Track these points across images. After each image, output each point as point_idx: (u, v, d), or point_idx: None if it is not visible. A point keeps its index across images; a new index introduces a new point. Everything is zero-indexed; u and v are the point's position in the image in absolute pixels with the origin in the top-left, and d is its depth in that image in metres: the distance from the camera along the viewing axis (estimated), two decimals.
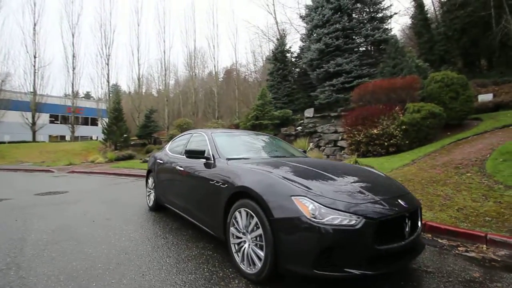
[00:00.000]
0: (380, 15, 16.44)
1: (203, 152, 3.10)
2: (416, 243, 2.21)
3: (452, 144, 7.57)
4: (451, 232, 3.28)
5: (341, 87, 16.79)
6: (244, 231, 2.30)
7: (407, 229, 2.11)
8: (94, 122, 36.93)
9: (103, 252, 2.81)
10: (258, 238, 2.14)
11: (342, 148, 12.74)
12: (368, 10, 16.89)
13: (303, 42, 22.66)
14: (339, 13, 16.68)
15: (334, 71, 16.84)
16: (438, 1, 18.69)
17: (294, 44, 40.33)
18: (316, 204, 1.91)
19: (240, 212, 2.34)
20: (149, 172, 4.87)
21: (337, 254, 1.83)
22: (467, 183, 4.84)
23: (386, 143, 8.66)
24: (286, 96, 22.53)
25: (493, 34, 14.88)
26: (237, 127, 22.09)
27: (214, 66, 27.39)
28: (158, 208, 4.52)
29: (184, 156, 3.71)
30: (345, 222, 1.85)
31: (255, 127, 18.34)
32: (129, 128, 21.25)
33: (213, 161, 3.00)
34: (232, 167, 2.70)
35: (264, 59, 34.36)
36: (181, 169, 3.53)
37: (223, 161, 2.92)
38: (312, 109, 17.82)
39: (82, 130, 32.77)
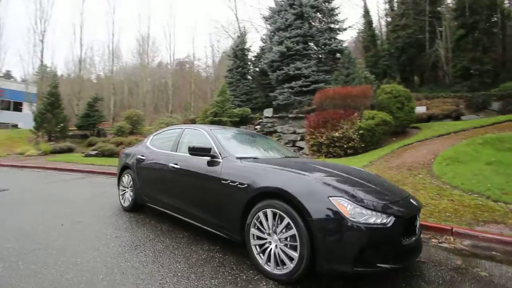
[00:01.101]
0: (336, 26, 17.69)
1: (210, 149, 2.96)
2: (420, 239, 2.50)
3: (401, 149, 8.64)
4: (423, 226, 3.76)
5: (299, 90, 17.59)
6: (270, 232, 2.28)
7: (417, 226, 2.37)
8: (17, 107, 31.40)
9: (96, 261, 2.46)
10: (289, 239, 2.15)
11: (300, 148, 13.36)
12: (326, 20, 18.02)
13: (263, 42, 23.07)
14: (300, 19, 17.43)
15: (294, 74, 17.55)
16: (384, 20, 20.93)
17: (254, 44, 40.76)
18: (353, 204, 2.01)
19: (265, 213, 2.31)
20: (123, 169, 4.40)
21: (372, 251, 1.96)
22: (422, 183, 5.59)
23: (345, 146, 9.42)
24: (245, 94, 22.66)
25: (426, 55, 17.33)
26: (193, 122, 21.34)
27: (170, 57, 25.95)
28: (135, 208, 4.13)
29: (179, 153, 3.49)
30: (378, 221, 1.99)
31: (214, 123, 18.00)
32: (68, 117, 18.71)
33: (221, 160, 2.88)
34: (249, 167, 2.64)
35: (220, 54, 33.88)
36: (177, 167, 3.29)
37: (234, 160, 2.83)
38: (271, 109, 18.28)
39: (3, 116, 27.56)
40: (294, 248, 2.11)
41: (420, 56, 17.79)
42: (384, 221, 2.01)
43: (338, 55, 17.84)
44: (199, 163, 3.05)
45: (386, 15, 20.16)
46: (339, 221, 1.95)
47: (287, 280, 2.13)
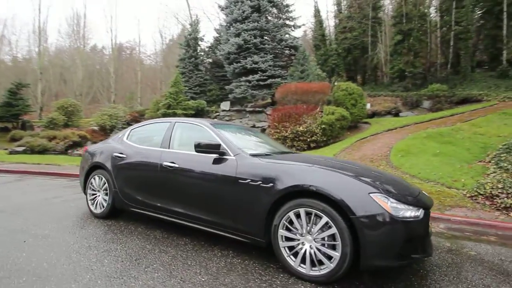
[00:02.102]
0: (292, 23, 18.16)
1: (218, 146, 2.71)
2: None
3: (358, 142, 9.39)
4: None
5: (256, 84, 17.65)
6: (303, 232, 2.19)
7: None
8: None
9: (97, 284, 2.03)
10: (327, 238, 2.10)
11: None
12: (282, 16, 18.34)
13: (218, 33, 22.37)
14: (257, 12, 17.37)
15: (251, 67, 17.49)
16: (333, 22, 22.26)
17: (208, 34, 39.09)
18: (392, 199, 2.05)
19: (297, 213, 2.21)
20: (92, 169, 3.76)
21: (408, 243, 2.04)
22: None
23: (308, 139, 9.82)
24: (198, 86, 21.80)
25: (369, 57, 19.05)
26: (141, 114, 19.68)
27: (111, 40, 23.11)
28: (112, 214, 3.58)
29: (173, 150, 3.12)
30: (413, 214, 2.08)
31: (167, 116, 16.88)
32: None
33: (232, 157, 2.67)
34: (271, 164, 2.49)
35: (169, 41, 31.79)
36: (174, 165, 2.93)
37: (249, 157, 2.64)
38: (228, 102, 17.97)
39: None
40: (332, 247, 2.07)
41: (364, 58, 19.48)
42: (417, 214, 2.11)
43: (292, 51, 18.41)
44: (204, 161, 2.78)
45: (335, 16, 21.49)
46: (383, 217, 1.98)
47: (326, 281, 2.08)
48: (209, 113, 18.95)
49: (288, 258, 2.25)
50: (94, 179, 3.70)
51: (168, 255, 2.54)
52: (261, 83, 17.56)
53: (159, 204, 3.07)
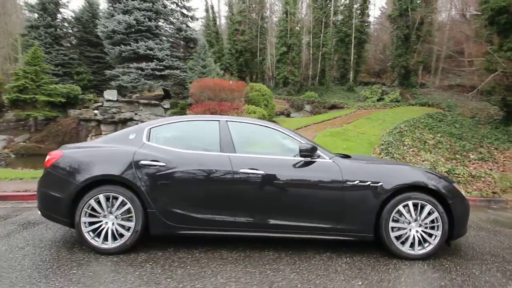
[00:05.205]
0: (190, 14, 17.34)
1: (316, 149, 2.65)
2: None
3: None
4: None
5: (151, 73, 15.76)
6: (411, 221, 2.58)
7: None
8: None
9: None
10: (430, 222, 2.58)
11: None
12: (179, 4, 17.15)
13: (89, 3, 17.96)
14: None
15: (144, 53, 15.41)
16: (226, 22, 22.88)
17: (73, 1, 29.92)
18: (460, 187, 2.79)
19: (405, 205, 2.57)
20: (92, 186, 2.51)
21: (468, 216, 2.84)
22: None
23: None
24: (61, 66, 16.96)
25: (258, 61, 21.10)
26: None
27: None
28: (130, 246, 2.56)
29: (243, 154, 2.64)
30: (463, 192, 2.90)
31: (23, 103, 12.17)
32: None
33: (328, 160, 2.66)
34: (374, 166, 2.73)
35: None
36: (258, 172, 2.53)
37: (343, 160, 2.72)
38: (115, 91, 15.03)
39: None
40: (436, 228, 2.58)
41: (254, 61, 21.37)
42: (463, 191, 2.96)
43: (191, 43, 17.65)
44: (294, 166, 2.62)
45: (227, 17, 22.22)
46: (463, 199, 2.67)
47: (420, 257, 2.51)
48: (85, 103, 15.16)
49: (399, 246, 2.57)
50: (98, 200, 2.48)
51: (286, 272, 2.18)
52: (157, 73, 15.85)
53: (233, 220, 2.55)
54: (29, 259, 2.32)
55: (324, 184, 2.57)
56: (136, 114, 13.94)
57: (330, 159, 2.67)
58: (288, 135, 2.82)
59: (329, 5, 19.74)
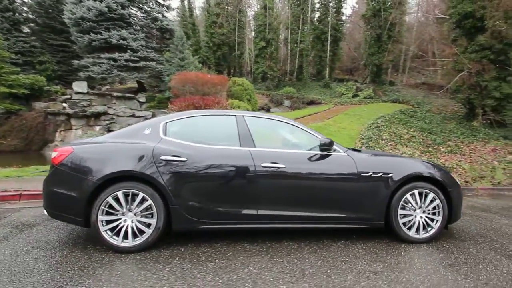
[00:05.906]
0: (166, 3, 16.64)
1: (332, 143, 2.77)
2: None
3: None
4: None
5: (125, 65, 14.97)
6: (416, 208, 2.80)
7: None
8: None
9: None
10: (432, 208, 2.82)
11: None
12: None
13: None
14: None
15: (117, 43, 14.58)
16: (203, 14, 22.28)
17: None
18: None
19: (412, 194, 2.79)
20: (109, 183, 2.38)
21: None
22: None
23: None
24: (21, 54, 15.49)
25: (236, 55, 20.91)
26: None
27: None
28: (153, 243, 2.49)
29: (264, 149, 2.68)
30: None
31: None
32: None
33: (344, 154, 2.81)
34: (384, 159, 2.92)
35: None
36: (281, 166, 2.59)
37: (357, 153, 2.88)
38: (85, 83, 14.02)
39: None
40: (436, 214, 2.83)
41: (232, 56, 21.15)
42: None
43: (167, 35, 16.97)
44: (312, 159, 2.72)
45: (204, 9, 21.64)
46: (459, 187, 2.96)
47: (424, 240, 2.75)
48: (51, 95, 13.99)
49: (406, 231, 2.79)
50: (116, 198, 2.36)
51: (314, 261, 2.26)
52: (131, 64, 15.10)
53: (255, 212, 2.58)
54: (43, 262, 2.16)
55: (342, 176, 2.69)
56: (109, 108, 13.17)
57: (344, 152, 2.80)
58: (303, 129, 2.91)
59: (306, 2, 20.06)
